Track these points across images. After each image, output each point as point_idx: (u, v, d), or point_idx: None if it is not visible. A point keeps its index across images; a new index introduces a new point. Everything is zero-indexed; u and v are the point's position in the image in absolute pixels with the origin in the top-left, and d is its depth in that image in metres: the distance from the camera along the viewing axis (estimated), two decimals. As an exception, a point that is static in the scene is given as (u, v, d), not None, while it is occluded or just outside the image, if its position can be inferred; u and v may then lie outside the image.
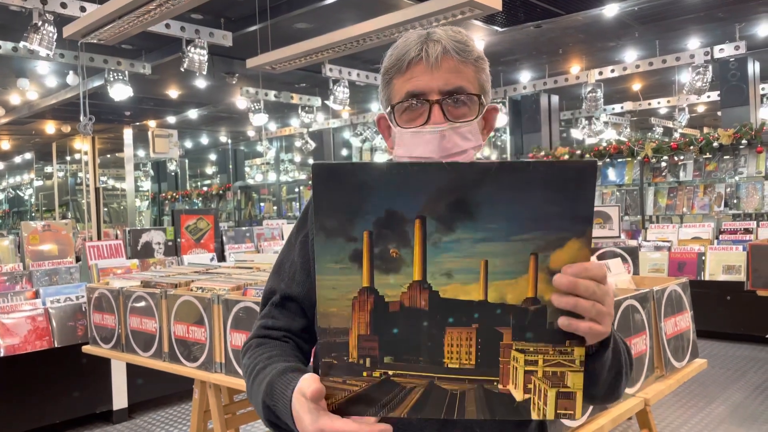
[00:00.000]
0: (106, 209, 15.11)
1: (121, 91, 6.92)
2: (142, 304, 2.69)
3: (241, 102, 9.60)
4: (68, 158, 13.98)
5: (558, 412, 0.74)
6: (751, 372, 4.98)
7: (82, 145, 10.61)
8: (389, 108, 1.02)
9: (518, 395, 0.74)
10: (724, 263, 5.81)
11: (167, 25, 5.62)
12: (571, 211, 0.70)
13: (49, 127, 11.79)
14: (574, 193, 0.69)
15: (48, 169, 16.35)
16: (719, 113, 10.87)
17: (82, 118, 6.35)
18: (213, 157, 17.48)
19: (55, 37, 5.13)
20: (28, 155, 15.79)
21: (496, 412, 0.75)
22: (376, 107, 11.03)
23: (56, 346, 3.82)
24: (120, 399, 4.17)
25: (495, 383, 0.74)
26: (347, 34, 5.27)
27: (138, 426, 4.16)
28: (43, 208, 15.35)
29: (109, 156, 16.08)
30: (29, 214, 16.28)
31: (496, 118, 1.07)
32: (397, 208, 0.71)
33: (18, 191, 18.70)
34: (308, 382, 0.77)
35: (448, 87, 0.97)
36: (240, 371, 2.24)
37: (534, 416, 0.74)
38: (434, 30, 1.00)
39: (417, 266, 0.72)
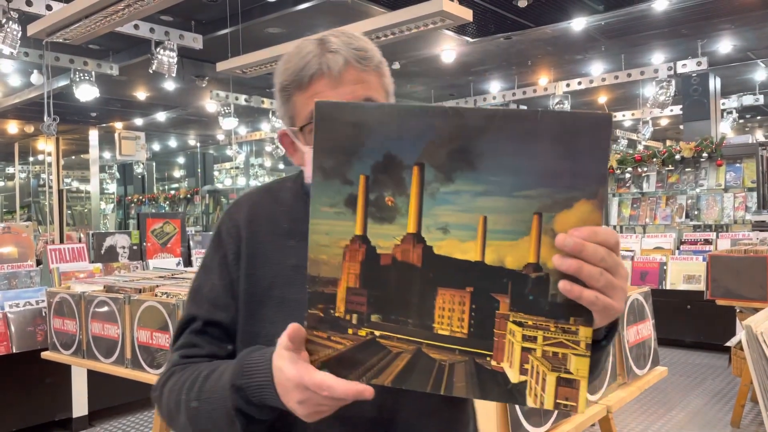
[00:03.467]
0: (69, 212, 14.77)
1: (87, 92, 6.80)
2: (105, 309, 2.63)
3: (210, 105, 9.51)
4: (31, 159, 13.65)
5: (558, 401, 0.66)
6: (709, 379, 5.10)
7: (45, 145, 10.39)
8: (294, 127, 0.96)
9: (513, 376, 0.67)
10: (684, 273, 5.92)
11: (136, 26, 5.55)
12: (582, 168, 0.63)
13: (12, 127, 11.48)
14: (586, 149, 0.63)
15: (10, 170, 15.93)
16: (681, 126, 11.18)
17: (45, 118, 6.22)
18: (181, 160, 17.26)
19: (19, 35, 5.02)
20: (-12, 155, 15.33)
21: (487, 392, 0.68)
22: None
23: (14, 351, 3.71)
24: (80, 406, 4.08)
25: (488, 358, 0.68)
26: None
27: (98, 434, 4.06)
28: (4, 210, 14.93)
29: (73, 157, 15.75)
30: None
31: None
32: (396, 152, 0.67)
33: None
34: (288, 329, 0.73)
35: (356, 100, 0.92)
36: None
37: (530, 403, 0.67)
38: (328, 38, 0.93)
39: (412, 217, 0.68)
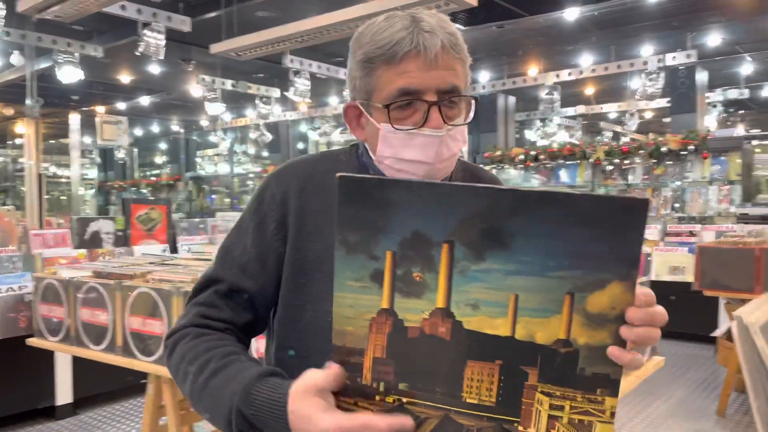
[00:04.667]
0: (47, 197, 14.51)
1: (70, 74, 6.64)
2: (94, 295, 2.57)
3: (196, 90, 9.35)
4: (9, 143, 13.37)
5: None
6: (693, 369, 5.17)
7: (25, 129, 10.15)
8: (369, 101, 0.94)
9: None
10: (669, 264, 5.97)
11: (123, 7, 5.42)
12: (616, 252, 0.63)
13: (-11, 109, 11.22)
14: (621, 232, 0.63)
15: (-14, 154, 15.57)
16: (666, 120, 11.27)
17: (29, 100, 6.06)
18: (164, 146, 17.01)
19: (3, 14, 4.87)
20: (-35, 138, 14.98)
21: None
22: (335, 101, 10.92)
23: None
24: (64, 394, 4.01)
25: (515, 424, 0.69)
26: (319, 23, 5.16)
27: (83, 422, 3.99)
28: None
29: (53, 142, 15.44)
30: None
31: (473, 110, 0.99)
32: (424, 229, 0.66)
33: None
34: (316, 372, 0.72)
35: (445, 87, 0.91)
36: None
37: None
38: (421, 16, 0.90)
39: (441, 293, 0.67)
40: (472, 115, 0.97)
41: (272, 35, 5.45)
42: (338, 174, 0.68)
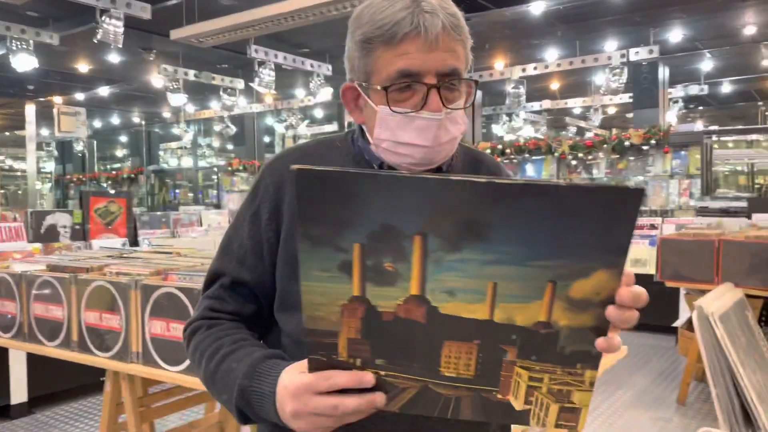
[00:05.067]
0: (2, 191, 14.05)
1: (24, 62, 6.42)
2: (48, 290, 2.46)
3: (157, 80, 9.13)
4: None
5: (559, 422, 0.70)
6: (654, 359, 5.26)
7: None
8: (367, 83, 0.92)
9: (518, 405, 0.69)
10: (631, 257, 5.94)
11: (80, -8, 5.24)
12: (605, 242, 0.60)
13: (-61, 99, 10.77)
14: (612, 222, 0.59)
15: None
16: (628, 115, 11.47)
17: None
18: (124, 138, 16.62)
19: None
20: None
21: (492, 415, 0.71)
22: (302, 93, 10.80)
23: None
24: (19, 392, 3.88)
25: (494, 392, 0.69)
26: (282, 9, 5.07)
27: (39, 421, 3.86)
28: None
29: (8, 134, 14.95)
30: None
31: (474, 93, 0.96)
32: (394, 222, 0.62)
33: None
34: (300, 367, 0.75)
35: (446, 69, 0.88)
36: (159, 360, 2.10)
37: (533, 424, 0.70)
38: None
39: (415, 281, 0.64)
40: (473, 98, 0.95)
41: (234, 21, 5.35)
42: (293, 167, 0.62)
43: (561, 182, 0.59)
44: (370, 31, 0.88)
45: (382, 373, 0.69)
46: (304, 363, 0.73)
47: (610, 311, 0.65)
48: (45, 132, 13.62)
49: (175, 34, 5.75)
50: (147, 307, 2.15)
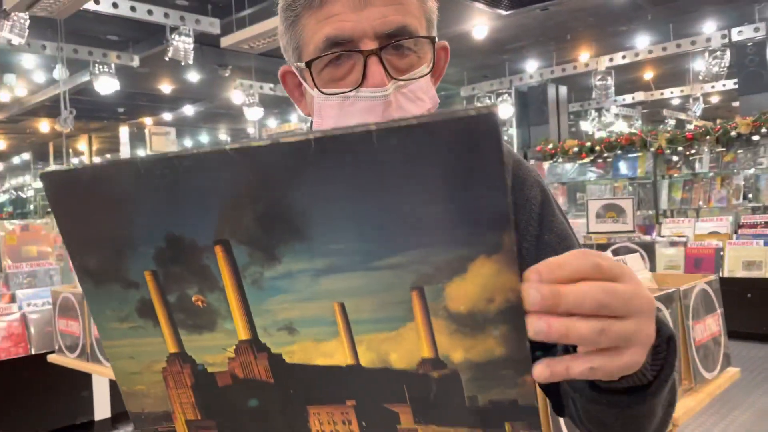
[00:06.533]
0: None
1: (107, 85, 6.73)
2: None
3: (237, 97, 9.36)
4: (68, 158, 13.92)
5: None
6: (776, 375, 4.73)
7: (85, 146, 10.47)
8: (300, 61, 0.73)
9: None
10: (744, 259, 5.63)
11: (150, 12, 5.38)
12: (465, 207, 0.38)
13: (43, 125, 11.64)
14: (466, 173, 0.37)
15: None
16: (734, 104, 10.64)
17: (63, 111, 6.13)
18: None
19: (27, 23, 4.88)
20: (26, 155, 15.72)
21: None
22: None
23: (33, 353, 3.68)
24: (102, 408, 3.99)
25: None
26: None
27: (118, 439, 3.98)
28: (48, 211, 15.35)
29: (108, 156, 15.99)
30: (31, 216, 16.34)
31: (446, 58, 0.77)
32: (179, 230, 0.44)
33: (20, 193, 18.84)
34: None
35: (387, 28, 0.69)
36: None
37: None
38: None
39: (238, 319, 0.46)
40: (444, 63, 0.77)
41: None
42: (40, 172, 0.46)
43: (377, 124, 0.36)
44: None
45: None
46: None
47: (531, 323, 0.40)
48: (140, 153, 14.43)
49: (225, 41, 5.67)
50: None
